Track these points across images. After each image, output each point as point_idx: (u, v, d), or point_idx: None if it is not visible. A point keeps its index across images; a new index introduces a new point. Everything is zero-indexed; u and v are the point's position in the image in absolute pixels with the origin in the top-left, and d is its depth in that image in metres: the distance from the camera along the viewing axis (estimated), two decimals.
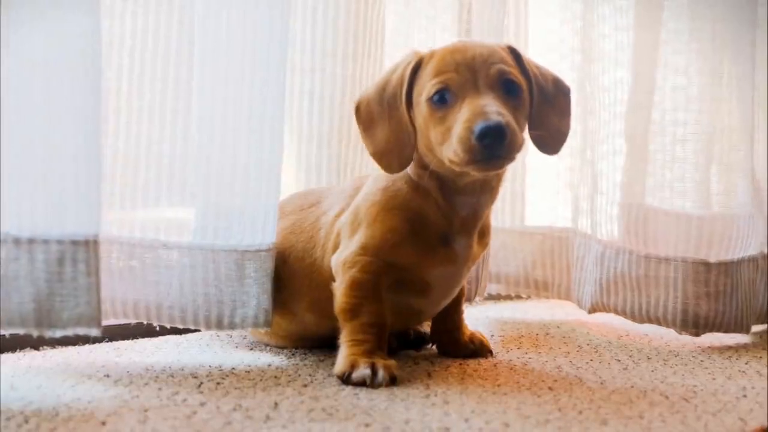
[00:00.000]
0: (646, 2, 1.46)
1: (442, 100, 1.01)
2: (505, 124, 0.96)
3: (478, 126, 0.96)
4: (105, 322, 1.20)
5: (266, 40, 1.10)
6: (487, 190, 1.09)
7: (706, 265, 1.37)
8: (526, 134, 1.06)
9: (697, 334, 1.37)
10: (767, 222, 1.46)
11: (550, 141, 1.10)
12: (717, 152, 1.46)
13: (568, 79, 1.52)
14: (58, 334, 0.96)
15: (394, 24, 1.45)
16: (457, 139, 0.98)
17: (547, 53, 1.57)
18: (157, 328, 1.19)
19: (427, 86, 1.03)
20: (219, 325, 1.11)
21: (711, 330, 1.37)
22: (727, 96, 1.45)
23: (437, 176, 1.07)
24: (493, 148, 0.96)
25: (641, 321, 1.41)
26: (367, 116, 1.08)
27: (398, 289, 1.09)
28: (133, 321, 1.12)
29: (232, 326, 1.12)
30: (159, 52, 1.12)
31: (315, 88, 1.33)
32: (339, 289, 1.08)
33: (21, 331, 0.95)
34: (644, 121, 1.45)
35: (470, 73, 1.01)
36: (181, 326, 1.12)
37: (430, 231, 1.08)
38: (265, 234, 1.12)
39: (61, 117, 0.95)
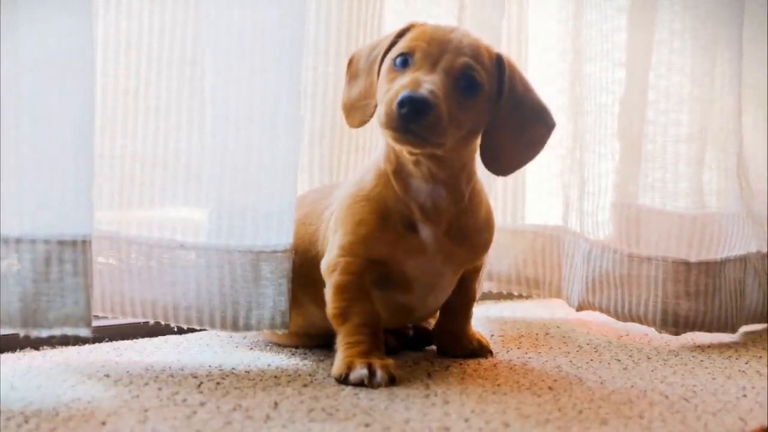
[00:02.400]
0: (641, 2, 1.46)
1: (404, 63, 1.03)
2: (432, 102, 0.96)
3: (402, 93, 0.97)
4: (110, 322, 1.21)
5: (279, 38, 1.09)
6: (439, 181, 1.07)
7: (687, 264, 1.37)
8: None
9: (677, 333, 1.37)
10: (767, 222, 1.46)
11: (498, 161, 1.09)
12: (706, 152, 1.46)
13: (564, 79, 1.54)
14: (44, 333, 0.95)
15: (393, 23, 1.44)
16: (385, 100, 0.99)
17: (544, 53, 1.57)
18: (175, 328, 1.18)
19: (396, 48, 1.05)
20: (235, 327, 1.11)
21: (692, 329, 1.37)
22: (717, 96, 1.45)
23: (395, 156, 1.07)
24: (408, 119, 0.96)
25: (624, 320, 1.41)
26: (354, 69, 1.12)
27: (383, 286, 1.09)
28: (151, 321, 1.12)
29: (248, 328, 1.11)
30: (175, 50, 1.12)
31: (307, 87, 1.32)
32: (327, 294, 1.08)
33: (7, 331, 0.95)
34: (638, 121, 1.45)
35: (438, 51, 1.02)
36: (198, 327, 1.12)
37: (395, 218, 1.07)
38: (280, 234, 1.11)
39: (51, 117, 0.95)
